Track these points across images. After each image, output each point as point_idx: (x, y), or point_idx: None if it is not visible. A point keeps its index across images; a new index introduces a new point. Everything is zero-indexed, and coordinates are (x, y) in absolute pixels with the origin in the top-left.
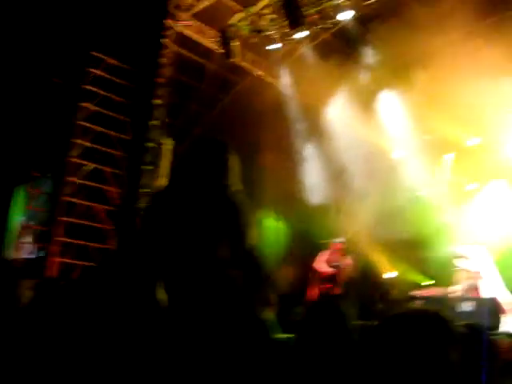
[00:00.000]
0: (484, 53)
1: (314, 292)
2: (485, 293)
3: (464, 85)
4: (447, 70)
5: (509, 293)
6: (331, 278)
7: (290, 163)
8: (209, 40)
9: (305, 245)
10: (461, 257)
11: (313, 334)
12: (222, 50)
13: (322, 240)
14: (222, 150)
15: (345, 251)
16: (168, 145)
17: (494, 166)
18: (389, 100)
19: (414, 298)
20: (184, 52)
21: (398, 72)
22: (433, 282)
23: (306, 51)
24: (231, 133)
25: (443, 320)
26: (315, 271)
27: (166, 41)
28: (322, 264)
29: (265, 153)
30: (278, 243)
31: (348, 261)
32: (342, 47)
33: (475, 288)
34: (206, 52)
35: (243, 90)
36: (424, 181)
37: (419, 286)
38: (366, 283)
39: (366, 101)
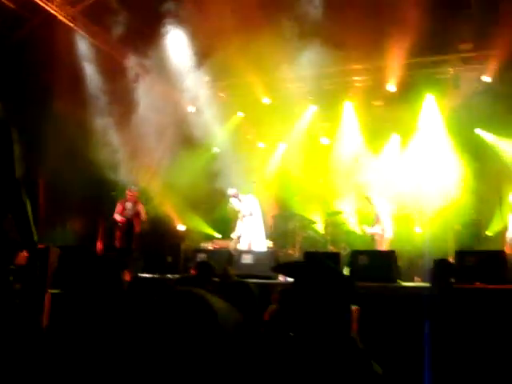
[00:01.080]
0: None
1: (99, 245)
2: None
3: (261, 49)
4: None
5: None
6: (126, 228)
7: (82, 114)
8: None
9: (98, 197)
10: (235, 197)
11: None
12: None
13: (114, 191)
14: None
15: (138, 198)
16: None
17: (282, 128)
18: (187, 55)
19: (200, 251)
20: None
21: (202, 35)
22: (220, 235)
23: None
24: (21, 75)
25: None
26: (102, 223)
27: None
28: (117, 214)
29: (57, 101)
30: None
31: (140, 208)
32: None
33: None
34: None
35: (36, 29)
36: (217, 137)
37: (208, 239)
38: (156, 235)
39: (165, 55)
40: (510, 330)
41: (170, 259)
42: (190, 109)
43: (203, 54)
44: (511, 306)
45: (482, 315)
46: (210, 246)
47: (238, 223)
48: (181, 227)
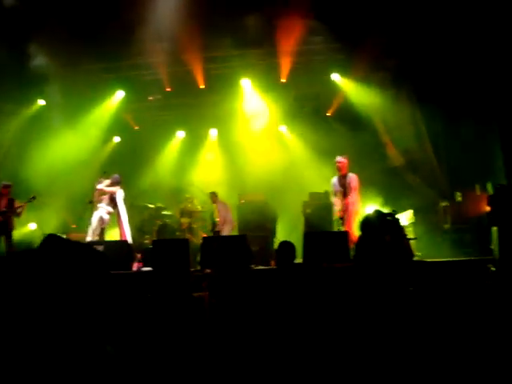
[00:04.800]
0: None
1: None
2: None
3: None
4: None
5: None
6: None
7: None
8: None
9: None
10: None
11: None
12: None
13: None
14: None
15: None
16: None
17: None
18: None
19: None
20: None
21: None
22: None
23: None
24: None
25: None
26: None
27: None
28: None
29: None
30: None
31: (16, 204)
32: None
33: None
34: None
35: None
36: None
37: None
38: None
39: None
40: (353, 306)
41: None
42: None
43: None
44: (355, 283)
45: (329, 293)
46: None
47: (94, 214)
48: (32, 225)
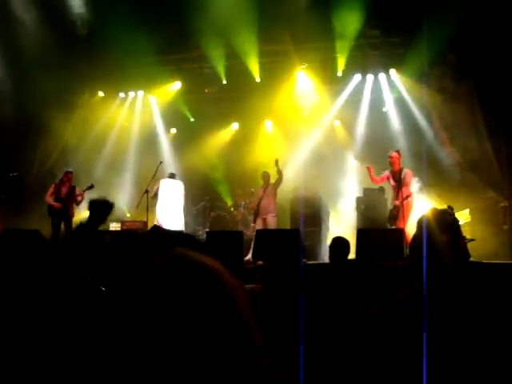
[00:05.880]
0: None
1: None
2: None
3: None
4: None
5: None
6: (62, 213)
7: None
8: None
9: None
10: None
11: None
12: None
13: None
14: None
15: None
16: None
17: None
18: None
19: (104, 232)
20: None
21: None
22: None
23: None
24: None
25: None
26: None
27: None
28: (50, 197)
29: None
30: None
31: (76, 192)
32: None
33: None
34: None
35: None
36: None
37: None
38: None
39: None
40: (406, 304)
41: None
42: None
43: None
44: (409, 281)
45: (380, 290)
46: (118, 227)
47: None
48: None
